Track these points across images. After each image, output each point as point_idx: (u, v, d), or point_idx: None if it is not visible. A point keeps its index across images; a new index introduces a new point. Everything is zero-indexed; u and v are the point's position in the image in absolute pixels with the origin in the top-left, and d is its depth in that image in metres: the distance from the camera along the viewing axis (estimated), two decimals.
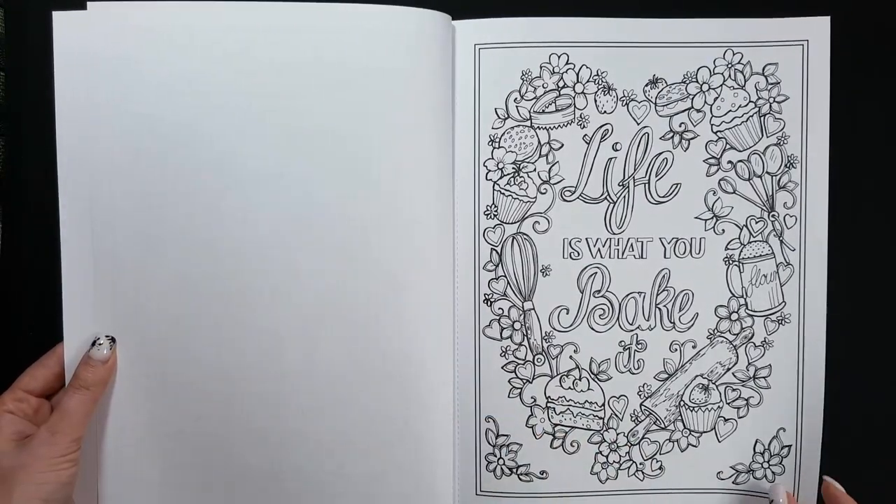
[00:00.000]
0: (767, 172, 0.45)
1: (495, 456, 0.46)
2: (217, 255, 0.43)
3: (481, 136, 0.45)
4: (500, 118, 0.45)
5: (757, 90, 0.45)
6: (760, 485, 0.47)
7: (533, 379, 0.46)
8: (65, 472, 0.39)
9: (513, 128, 0.45)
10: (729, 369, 0.46)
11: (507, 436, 0.46)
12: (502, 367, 0.46)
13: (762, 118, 0.45)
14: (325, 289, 0.43)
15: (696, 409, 0.46)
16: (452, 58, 0.45)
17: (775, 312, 0.46)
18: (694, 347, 0.46)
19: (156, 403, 0.44)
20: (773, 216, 0.46)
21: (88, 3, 0.42)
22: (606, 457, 0.46)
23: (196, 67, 0.42)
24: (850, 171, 0.47)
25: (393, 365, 0.44)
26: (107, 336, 0.42)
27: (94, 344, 0.42)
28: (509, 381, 0.46)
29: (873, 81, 0.47)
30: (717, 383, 0.46)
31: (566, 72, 0.45)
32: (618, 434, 0.46)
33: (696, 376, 0.46)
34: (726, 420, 0.46)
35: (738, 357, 0.46)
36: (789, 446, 0.46)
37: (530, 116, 0.45)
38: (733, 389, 0.46)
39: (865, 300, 0.48)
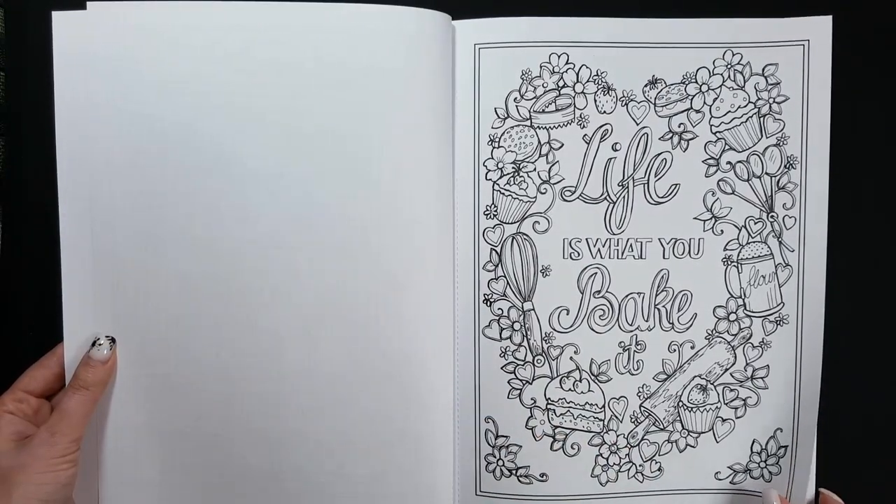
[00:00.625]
0: (767, 173, 0.45)
1: (495, 457, 0.46)
2: (217, 255, 0.43)
3: (481, 135, 0.45)
4: (499, 118, 0.45)
5: (756, 91, 0.45)
6: (758, 484, 0.47)
7: (533, 380, 0.46)
8: (64, 473, 0.39)
9: (512, 127, 0.45)
10: (727, 370, 0.46)
11: (506, 437, 0.46)
12: (502, 368, 0.46)
13: (762, 119, 0.45)
14: (325, 289, 0.43)
15: (694, 409, 0.46)
16: (452, 58, 0.45)
17: (774, 313, 0.46)
18: (692, 348, 0.46)
19: (156, 403, 0.44)
20: (771, 217, 0.45)
21: (88, 3, 0.42)
22: (607, 459, 0.46)
23: (196, 67, 0.42)
24: (849, 171, 0.47)
25: (393, 365, 0.44)
26: (107, 336, 0.42)
27: (93, 344, 0.42)
28: (509, 382, 0.46)
29: (874, 81, 0.47)
30: (715, 384, 0.46)
31: (566, 71, 0.45)
32: (618, 436, 0.46)
33: (695, 377, 0.46)
34: (724, 420, 0.46)
35: (736, 357, 0.46)
36: (786, 447, 0.46)
37: (530, 116, 0.45)
38: (731, 390, 0.46)
39: (864, 301, 0.48)
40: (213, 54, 0.42)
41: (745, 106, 0.45)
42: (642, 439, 0.46)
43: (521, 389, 0.46)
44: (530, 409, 0.46)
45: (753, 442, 0.46)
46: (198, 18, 0.42)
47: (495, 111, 0.45)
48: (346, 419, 0.44)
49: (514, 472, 0.46)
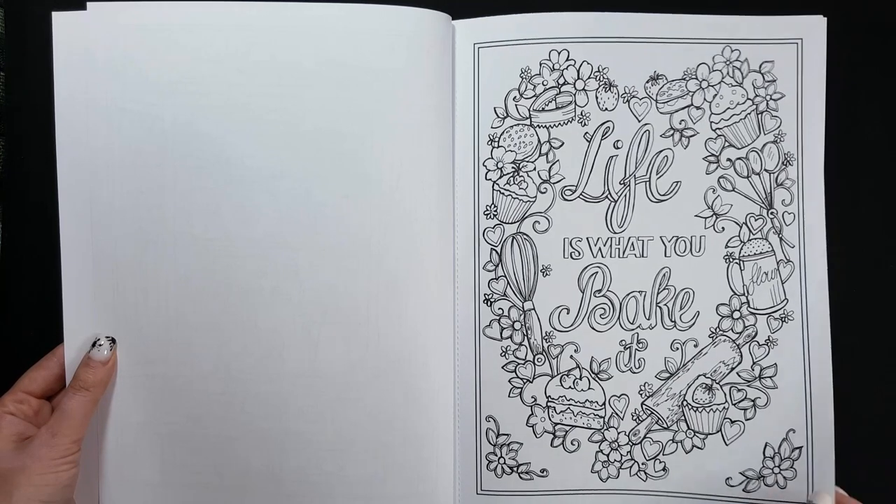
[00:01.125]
0: (765, 170, 0.45)
1: (496, 455, 0.46)
2: (217, 255, 0.43)
3: (481, 135, 0.45)
4: (499, 117, 0.45)
5: (754, 87, 0.45)
6: (772, 492, 0.46)
7: (533, 378, 0.46)
8: (65, 474, 0.39)
9: (512, 127, 0.45)
10: (733, 369, 0.46)
11: (507, 435, 0.46)
12: (502, 367, 0.46)
13: (759, 115, 0.45)
14: (325, 289, 0.43)
15: (699, 409, 0.46)
16: (452, 57, 0.45)
17: (778, 310, 0.46)
18: (696, 346, 0.46)
19: (156, 404, 0.44)
20: (771, 213, 0.45)
21: (88, 4, 0.42)
22: (607, 455, 0.46)
23: (196, 67, 0.42)
24: (849, 167, 0.47)
25: (393, 365, 0.43)
26: (107, 337, 0.42)
27: (94, 345, 0.42)
28: (509, 381, 0.46)
29: (871, 79, 0.47)
30: (721, 383, 0.46)
31: (567, 68, 0.45)
32: (619, 433, 0.46)
33: (699, 375, 0.46)
34: (733, 422, 0.46)
35: (742, 356, 0.46)
36: (800, 448, 0.46)
37: (529, 115, 0.45)
38: (739, 390, 0.46)
39: (869, 295, 0.48)
40: (213, 54, 0.42)
41: (744, 103, 0.45)
42: (644, 437, 0.46)
43: (521, 388, 0.46)
44: (531, 407, 0.46)
45: (766, 446, 0.46)
46: (198, 18, 0.42)
47: (495, 111, 0.45)
48: (347, 419, 0.44)
49: (515, 469, 0.46)
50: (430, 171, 0.44)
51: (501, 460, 0.46)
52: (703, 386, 0.46)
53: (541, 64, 0.45)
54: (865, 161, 0.47)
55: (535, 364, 0.46)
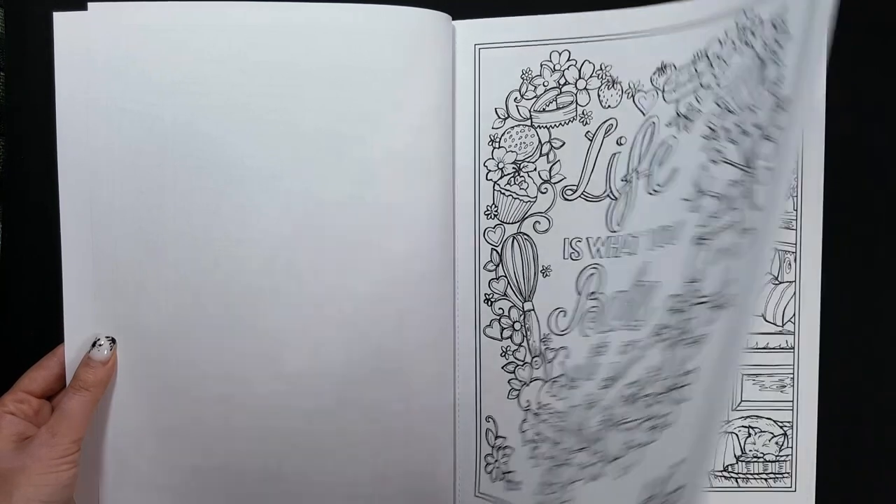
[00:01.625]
0: (754, 124, 0.38)
1: (493, 458, 0.46)
2: (217, 255, 0.43)
3: (481, 135, 0.45)
4: (500, 118, 0.45)
5: (765, 44, 0.38)
6: None
7: (529, 382, 0.45)
8: (65, 474, 0.39)
9: (513, 127, 0.45)
10: (655, 375, 0.39)
11: (503, 437, 0.46)
12: (502, 368, 0.46)
13: (763, 63, 0.38)
14: (326, 289, 0.43)
15: (618, 425, 0.40)
16: (452, 58, 0.45)
17: (719, 293, 0.37)
18: (642, 348, 0.40)
19: (156, 404, 0.44)
20: (749, 172, 0.37)
21: (89, 4, 0.42)
22: (551, 484, 0.42)
23: (196, 67, 0.42)
24: (849, 167, 0.46)
25: (393, 365, 0.43)
26: (107, 337, 0.42)
27: (94, 345, 0.42)
28: (509, 382, 0.46)
29: (871, 79, 0.47)
30: (641, 395, 0.39)
31: (568, 68, 0.45)
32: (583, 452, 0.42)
33: (626, 384, 0.40)
34: (630, 448, 0.38)
35: (668, 358, 0.39)
36: (681, 488, 0.34)
37: (530, 116, 0.45)
38: (649, 405, 0.38)
39: (868, 296, 0.47)
40: (214, 54, 0.42)
41: (751, 61, 0.39)
42: (576, 463, 0.42)
43: (519, 391, 0.46)
44: (525, 412, 0.45)
45: (646, 485, 0.37)
46: (198, 18, 0.42)
47: (496, 111, 0.45)
48: (347, 419, 0.44)
49: (503, 476, 0.45)
50: (431, 172, 0.44)
51: (496, 464, 0.46)
52: (625, 398, 0.39)
53: (542, 65, 0.45)
54: (865, 161, 0.47)
55: (532, 367, 0.45)
